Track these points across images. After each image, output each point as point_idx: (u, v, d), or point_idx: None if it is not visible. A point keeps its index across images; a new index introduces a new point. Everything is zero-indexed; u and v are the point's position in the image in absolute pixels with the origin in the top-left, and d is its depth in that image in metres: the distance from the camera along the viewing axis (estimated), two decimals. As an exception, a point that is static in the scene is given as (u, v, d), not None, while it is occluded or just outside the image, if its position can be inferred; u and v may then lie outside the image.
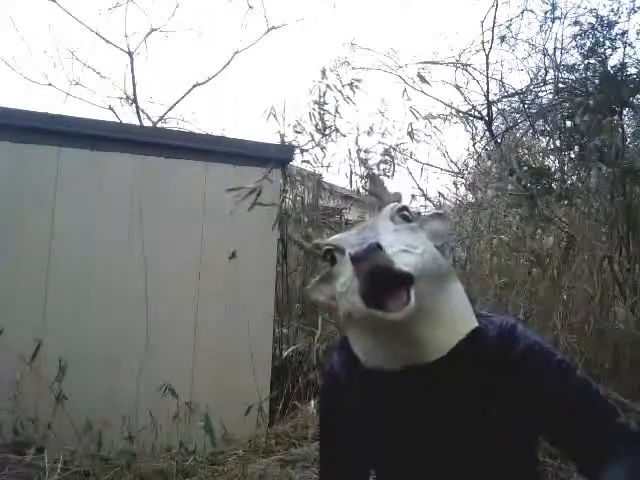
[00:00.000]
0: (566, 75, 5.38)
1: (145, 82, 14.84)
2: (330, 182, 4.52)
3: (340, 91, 3.83)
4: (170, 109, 7.88)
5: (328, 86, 3.85)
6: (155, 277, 3.18)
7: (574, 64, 5.22)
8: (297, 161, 4.01)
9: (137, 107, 7.59)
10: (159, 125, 7.50)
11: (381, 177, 4.11)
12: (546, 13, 5.68)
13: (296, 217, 3.91)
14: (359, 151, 4.16)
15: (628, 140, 4.71)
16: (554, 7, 5.59)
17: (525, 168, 4.13)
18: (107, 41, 7.63)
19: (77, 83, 7.54)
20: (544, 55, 5.92)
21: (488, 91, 5.53)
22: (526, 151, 5.25)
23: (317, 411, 1.18)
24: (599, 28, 4.93)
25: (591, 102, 3.74)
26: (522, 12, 5.70)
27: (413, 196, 4.49)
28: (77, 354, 2.92)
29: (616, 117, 3.99)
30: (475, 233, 4.08)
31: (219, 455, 2.78)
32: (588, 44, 4.95)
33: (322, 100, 3.88)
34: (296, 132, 3.85)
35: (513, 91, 5.84)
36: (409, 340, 0.86)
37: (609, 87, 3.96)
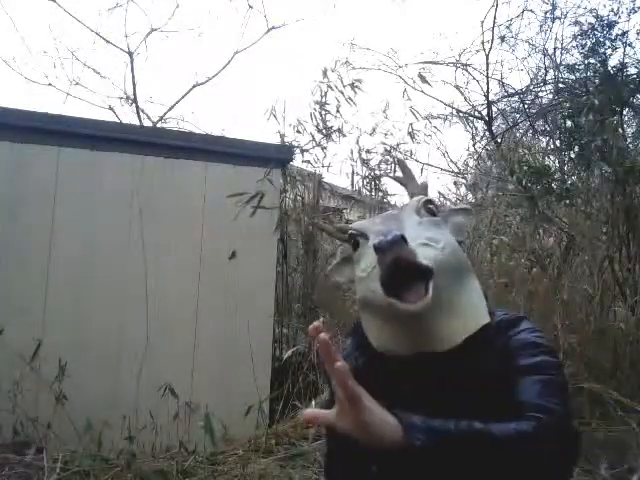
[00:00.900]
0: (566, 75, 5.39)
1: (145, 82, 14.86)
2: (331, 182, 4.52)
3: (342, 91, 3.83)
4: (170, 109, 7.90)
5: (329, 86, 3.85)
6: (155, 277, 3.17)
7: (574, 64, 5.22)
8: (298, 161, 4.02)
9: (137, 107, 7.60)
10: (159, 125, 7.50)
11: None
12: (546, 13, 5.69)
13: (296, 217, 3.90)
14: (360, 151, 4.17)
15: (628, 140, 4.71)
16: (554, 7, 5.60)
17: (525, 168, 4.12)
18: (107, 41, 7.64)
19: (77, 83, 7.55)
20: (544, 55, 5.93)
21: (488, 91, 5.53)
22: (526, 151, 5.25)
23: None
24: (599, 28, 4.94)
25: (596, 101, 3.73)
26: (522, 12, 5.71)
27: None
28: (77, 354, 2.92)
29: (616, 117, 3.99)
30: (476, 233, 4.08)
31: (219, 455, 2.78)
32: (588, 44, 4.95)
33: (323, 100, 3.88)
34: (297, 132, 3.85)
35: (513, 91, 5.85)
36: (424, 330, 0.89)
37: (609, 87, 3.96)
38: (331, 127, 3.89)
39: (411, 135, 3.98)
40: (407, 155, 4.58)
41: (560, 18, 5.59)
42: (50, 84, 7.57)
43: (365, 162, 4.20)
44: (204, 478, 2.53)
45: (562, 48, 5.68)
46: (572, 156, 4.53)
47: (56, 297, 3.08)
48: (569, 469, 0.92)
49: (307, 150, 3.91)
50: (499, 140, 5.62)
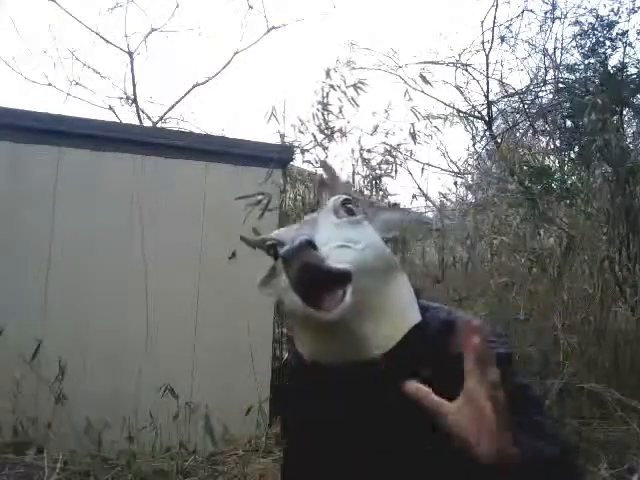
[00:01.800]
0: (566, 75, 5.39)
1: (145, 82, 14.84)
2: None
3: (344, 92, 3.82)
4: (170, 109, 7.89)
5: (332, 86, 3.85)
6: (155, 277, 3.18)
7: (574, 64, 5.23)
8: (299, 161, 4.01)
9: (137, 107, 7.59)
10: (159, 125, 7.50)
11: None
12: (546, 13, 5.69)
13: (296, 217, 3.90)
14: (361, 151, 4.16)
15: (629, 140, 4.71)
16: (554, 7, 5.60)
17: (525, 168, 4.13)
18: (107, 41, 7.63)
19: (77, 83, 7.53)
20: (544, 55, 5.93)
21: (488, 91, 5.53)
22: (526, 151, 5.25)
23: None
24: (599, 28, 4.94)
25: (599, 101, 3.73)
26: (522, 12, 5.70)
27: (414, 196, 4.48)
28: (77, 354, 2.92)
29: (616, 117, 3.99)
30: (477, 233, 4.08)
31: (219, 455, 2.78)
32: (588, 44, 4.96)
33: (325, 101, 3.88)
34: (300, 132, 3.85)
35: (513, 91, 5.84)
36: (351, 337, 0.84)
37: (609, 87, 3.96)
38: (333, 127, 3.88)
39: (412, 135, 3.97)
40: (407, 155, 4.58)
41: (560, 18, 5.60)
42: (50, 84, 7.56)
43: (366, 162, 4.20)
44: (204, 478, 2.53)
45: (562, 48, 5.69)
46: (572, 156, 4.54)
47: (56, 297, 3.08)
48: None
49: (308, 150, 3.90)
50: (499, 140, 5.62)
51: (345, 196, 1.01)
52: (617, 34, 4.83)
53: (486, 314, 3.35)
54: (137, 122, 7.30)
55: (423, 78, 4.51)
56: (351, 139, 4.68)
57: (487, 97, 5.52)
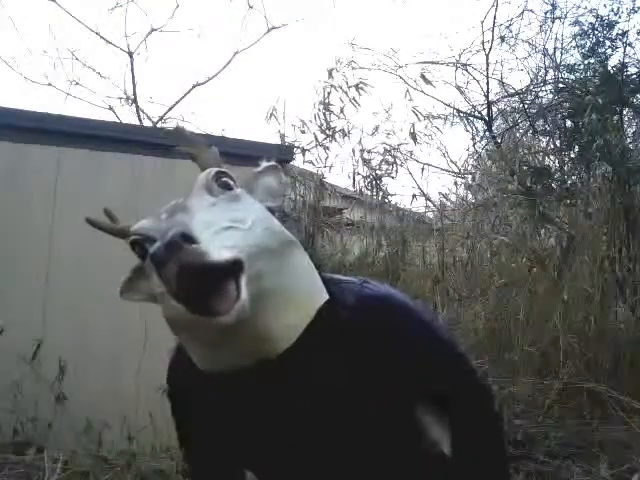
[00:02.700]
0: (566, 75, 5.39)
1: (145, 82, 14.84)
2: (332, 182, 4.52)
3: (346, 92, 3.83)
4: (170, 109, 7.89)
5: (333, 87, 3.86)
6: (155, 277, 3.17)
7: (574, 64, 5.22)
8: (299, 161, 4.02)
9: (137, 107, 7.61)
10: (159, 125, 7.50)
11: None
12: (546, 13, 5.68)
13: (296, 217, 3.90)
14: (362, 151, 4.17)
15: (629, 140, 4.70)
16: (554, 7, 5.59)
17: (525, 168, 4.13)
18: (107, 41, 7.64)
19: (77, 83, 7.55)
20: (544, 55, 5.93)
21: (488, 91, 5.53)
22: (526, 151, 5.25)
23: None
24: (599, 28, 4.93)
25: (600, 101, 3.73)
26: (522, 12, 5.69)
27: (414, 196, 4.49)
28: (77, 354, 2.92)
29: (616, 117, 3.99)
30: (478, 234, 4.08)
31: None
32: (588, 44, 4.95)
33: (327, 101, 3.88)
34: (302, 132, 3.85)
35: (513, 91, 5.84)
36: (251, 337, 0.72)
37: (609, 87, 3.96)
38: (334, 127, 3.89)
39: (413, 136, 3.97)
40: (408, 155, 4.59)
41: (560, 18, 5.59)
42: (50, 84, 7.59)
43: (366, 162, 4.21)
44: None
45: (562, 48, 5.67)
46: (572, 156, 4.53)
47: (56, 297, 3.08)
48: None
49: (308, 150, 3.91)
50: (499, 140, 5.61)
51: (216, 168, 0.87)
52: (617, 34, 4.83)
53: (486, 314, 3.35)
54: (137, 122, 7.30)
55: (424, 78, 4.51)
56: (352, 139, 4.68)
57: (487, 97, 5.52)
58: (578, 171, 4.40)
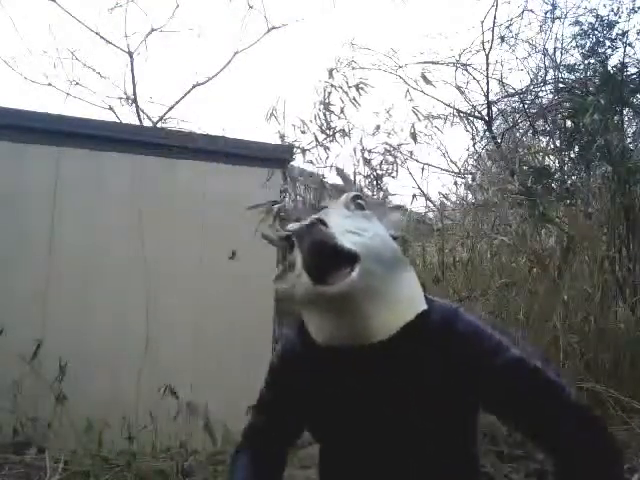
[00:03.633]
0: (566, 75, 5.38)
1: (145, 82, 14.81)
2: (332, 183, 4.51)
3: (346, 92, 3.81)
4: (170, 109, 7.88)
5: (334, 86, 3.84)
6: (155, 277, 3.17)
7: (574, 64, 5.22)
8: (300, 161, 4.01)
9: (137, 107, 7.59)
10: (159, 125, 7.49)
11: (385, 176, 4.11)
12: (546, 13, 5.68)
13: (296, 217, 3.89)
14: (363, 151, 4.16)
15: (629, 140, 4.70)
16: (554, 7, 5.59)
17: (525, 168, 4.12)
18: (107, 41, 7.63)
19: (77, 83, 7.53)
20: (544, 55, 5.93)
21: (488, 91, 5.53)
22: (526, 151, 5.24)
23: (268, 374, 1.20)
24: (599, 28, 4.93)
25: (602, 101, 3.72)
26: (522, 12, 5.69)
27: (414, 196, 4.48)
28: (77, 354, 2.92)
29: (617, 117, 3.99)
30: (478, 234, 4.08)
31: (219, 455, 2.78)
32: (588, 44, 4.95)
33: (327, 101, 3.87)
34: (302, 132, 3.84)
35: (513, 91, 5.84)
36: (355, 318, 0.86)
37: (609, 87, 3.96)
38: (335, 127, 3.88)
39: (413, 136, 3.96)
40: (408, 155, 4.58)
41: (560, 18, 5.59)
42: (50, 84, 7.56)
43: (367, 162, 4.20)
44: (204, 478, 2.53)
45: (562, 48, 5.68)
46: (572, 156, 4.53)
47: (56, 297, 3.08)
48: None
49: (309, 150, 3.90)
50: (499, 140, 5.61)
51: (356, 192, 1.05)
52: (617, 34, 4.83)
53: (486, 314, 3.35)
54: (137, 122, 7.29)
55: (425, 78, 4.50)
56: (352, 139, 4.67)
57: (487, 97, 5.52)
58: (578, 171, 4.39)
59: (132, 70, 7.60)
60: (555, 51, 5.72)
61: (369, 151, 4.22)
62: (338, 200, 1.03)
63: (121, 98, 7.66)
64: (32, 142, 3.15)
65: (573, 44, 5.40)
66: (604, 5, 5.69)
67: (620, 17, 4.90)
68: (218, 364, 3.24)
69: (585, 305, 3.38)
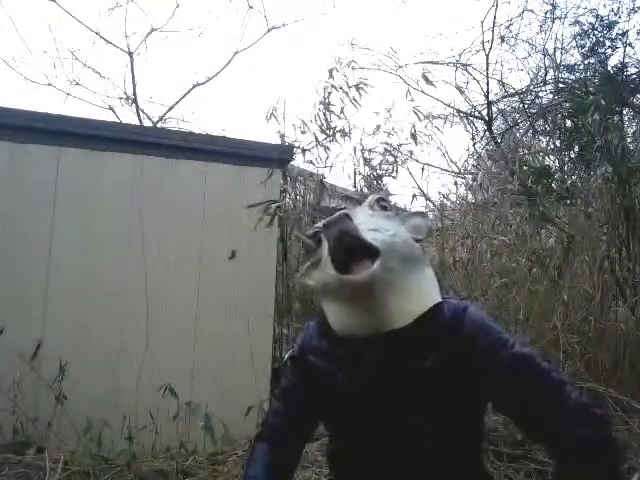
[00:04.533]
0: (566, 75, 5.39)
1: (145, 82, 14.80)
2: (332, 183, 4.51)
3: (346, 92, 3.81)
4: (170, 109, 7.86)
5: (334, 87, 3.84)
6: (155, 277, 3.17)
7: (574, 64, 5.23)
8: (299, 161, 4.00)
9: (137, 107, 7.58)
10: (159, 125, 7.48)
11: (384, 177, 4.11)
12: (546, 13, 5.68)
13: (296, 217, 3.90)
14: (363, 151, 4.16)
15: (629, 140, 4.71)
16: (554, 7, 5.59)
17: (525, 168, 4.13)
18: (107, 41, 7.60)
19: (77, 83, 7.50)
20: (544, 55, 5.93)
21: (488, 91, 5.52)
22: (526, 151, 5.24)
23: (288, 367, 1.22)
24: (599, 28, 4.94)
25: (602, 101, 3.72)
26: (522, 12, 5.69)
27: (414, 196, 4.47)
28: (77, 354, 2.92)
29: (617, 117, 3.99)
30: (478, 234, 4.08)
31: (219, 455, 2.77)
32: (588, 44, 4.95)
33: (327, 101, 3.87)
34: (302, 133, 3.83)
35: (513, 91, 5.84)
36: (373, 306, 0.94)
37: (609, 87, 3.96)
38: (335, 127, 3.87)
39: (413, 136, 3.95)
40: (408, 155, 4.58)
41: (560, 18, 5.59)
42: (50, 84, 7.54)
43: (367, 161, 4.20)
44: (204, 478, 2.53)
45: (562, 48, 5.67)
46: (572, 156, 4.53)
47: (56, 297, 3.08)
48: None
49: (309, 150, 3.89)
50: (499, 140, 5.61)
51: (379, 195, 1.14)
52: (617, 34, 4.83)
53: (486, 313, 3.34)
54: (137, 122, 7.29)
55: (425, 78, 4.49)
56: (353, 139, 4.67)
57: (487, 97, 5.51)
58: (578, 171, 4.40)
59: (132, 70, 7.58)
60: (555, 51, 5.72)
61: (369, 151, 4.22)
62: (364, 202, 1.12)
63: (121, 98, 7.64)
64: (32, 142, 3.14)
65: (573, 44, 5.41)
66: (604, 5, 5.68)
67: (620, 17, 4.91)
68: (218, 364, 3.24)
69: (585, 305, 3.38)
